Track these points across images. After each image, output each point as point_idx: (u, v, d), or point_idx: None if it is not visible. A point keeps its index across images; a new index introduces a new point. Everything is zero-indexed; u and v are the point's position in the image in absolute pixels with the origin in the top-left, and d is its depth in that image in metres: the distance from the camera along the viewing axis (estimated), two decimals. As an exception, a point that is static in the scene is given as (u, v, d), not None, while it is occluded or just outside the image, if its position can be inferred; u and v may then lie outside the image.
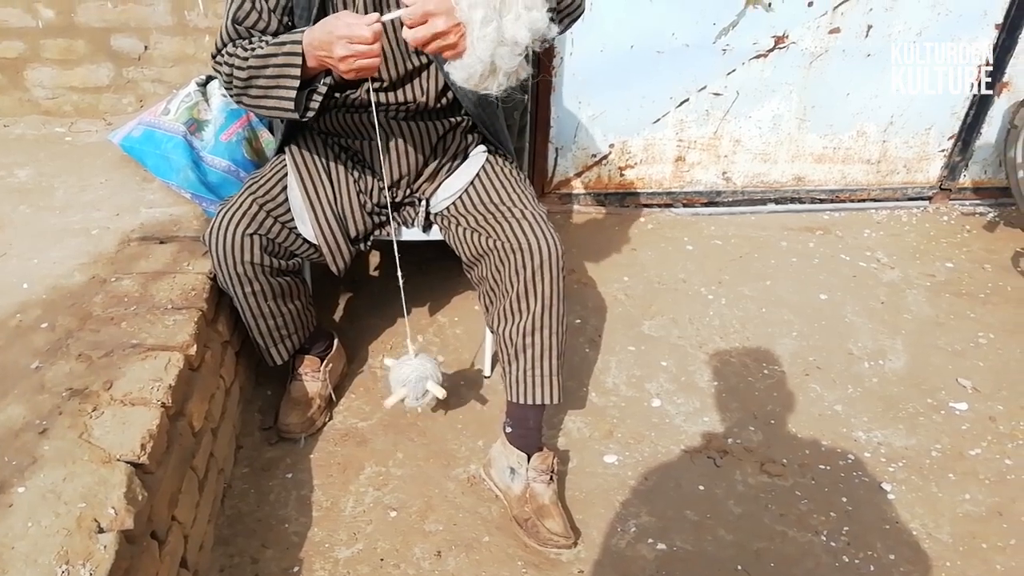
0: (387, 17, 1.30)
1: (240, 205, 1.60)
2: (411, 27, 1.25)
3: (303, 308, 1.80)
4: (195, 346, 1.51)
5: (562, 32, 1.44)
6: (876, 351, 2.19)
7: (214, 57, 1.52)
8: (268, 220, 1.62)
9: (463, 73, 1.28)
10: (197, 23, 2.39)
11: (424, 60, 1.57)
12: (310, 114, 1.46)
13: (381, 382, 1.98)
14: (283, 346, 1.80)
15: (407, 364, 1.60)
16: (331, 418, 1.91)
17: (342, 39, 1.28)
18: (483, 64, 1.25)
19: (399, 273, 1.63)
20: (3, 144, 2.33)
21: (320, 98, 1.45)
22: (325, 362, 1.91)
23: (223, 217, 1.59)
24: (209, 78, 2.12)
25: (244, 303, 1.66)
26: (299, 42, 1.37)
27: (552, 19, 1.29)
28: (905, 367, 2.14)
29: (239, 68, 1.45)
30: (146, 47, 2.43)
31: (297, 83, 1.39)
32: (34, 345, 1.49)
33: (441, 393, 1.61)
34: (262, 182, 1.66)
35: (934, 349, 2.21)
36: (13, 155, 2.25)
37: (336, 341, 1.97)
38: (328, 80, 1.45)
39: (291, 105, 1.42)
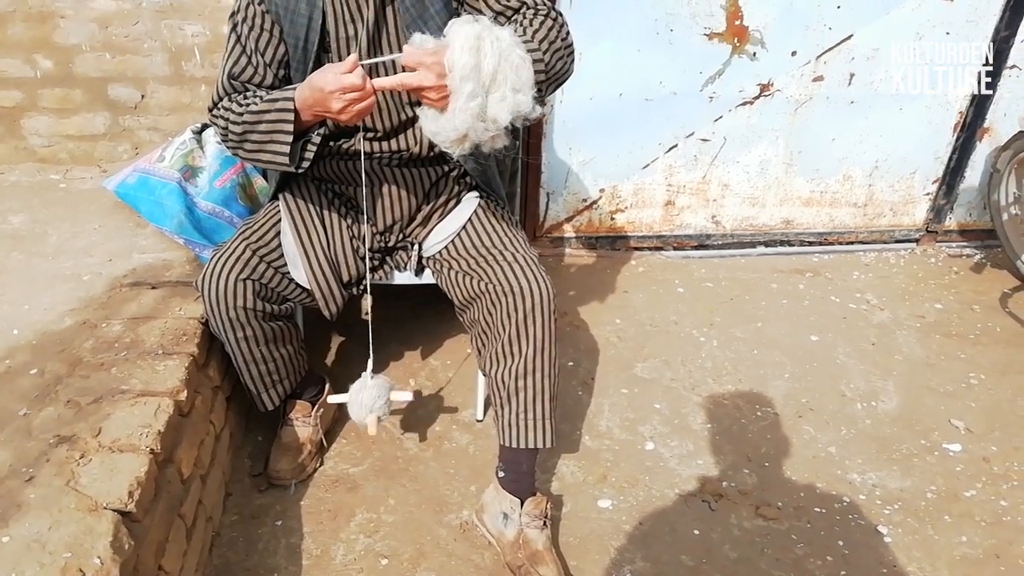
0: (374, 60, 1.33)
1: (234, 251, 1.61)
2: (405, 67, 1.29)
3: (295, 353, 1.79)
4: (185, 391, 1.50)
5: (546, 97, 1.47)
6: (868, 392, 2.19)
7: (211, 110, 1.55)
8: (261, 265, 1.63)
9: (434, 128, 1.32)
10: (194, 73, 2.44)
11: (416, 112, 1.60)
12: (305, 165, 1.48)
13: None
14: (274, 391, 1.79)
15: (365, 391, 1.63)
16: (322, 464, 1.89)
17: (334, 94, 1.31)
18: (456, 132, 1.28)
19: (367, 304, 1.67)
20: (-2, 191, 2.35)
21: (314, 149, 1.48)
22: (316, 407, 1.89)
23: (216, 262, 1.59)
24: (204, 126, 2.16)
25: (236, 348, 1.66)
26: (291, 99, 1.40)
27: (536, 99, 1.32)
28: (898, 408, 2.14)
29: (234, 123, 1.48)
30: (143, 96, 2.47)
31: (290, 139, 1.43)
32: (22, 391, 1.48)
33: (409, 395, 1.73)
34: (255, 227, 1.67)
35: (926, 390, 2.21)
36: (7, 202, 2.27)
37: (328, 386, 1.96)
38: (321, 131, 1.48)
39: (286, 160, 1.45)
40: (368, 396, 1.63)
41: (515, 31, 1.35)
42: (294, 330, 1.78)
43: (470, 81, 1.23)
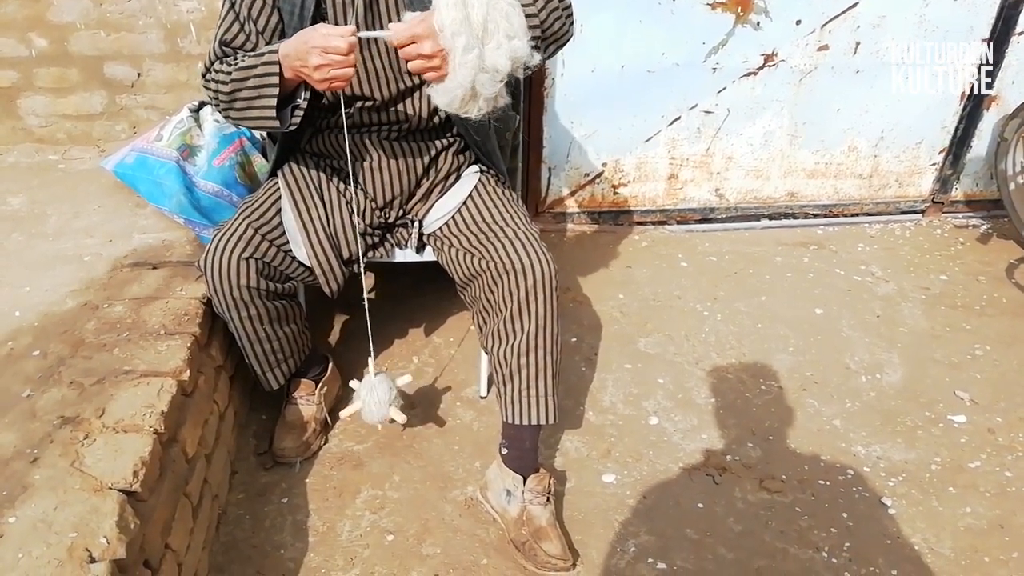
0: (368, 34, 1.32)
1: (235, 230, 1.60)
2: (399, 47, 1.27)
3: (298, 331, 1.79)
4: (188, 371, 1.50)
5: (547, 58, 1.46)
6: (873, 365, 2.19)
7: (203, 76, 1.53)
8: (264, 244, 1.62)
9: (445, 97, 1.30)
10: (190, 50, 2.41)
11: (416, 80, 1.58)
12: (292, 127, 1.47)
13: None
14: (279, 370, 1.79)
15: (376, 390, 1.65)
16: (327, 441, 1.89)
17: (316, 48, 1.30)
18: (463, 89, 1.27)
19: (364, 295, 1.65)
20: (-4, 172, 2.34)
21: (301, 112, 1.46)
22: (320, 385, 1.90)
23: (218, 242, 1.58)
24: (202, 104, 2.13)
25: (240, 327, 1.65)
26: (276, 51, 1.38)
27: (535, 47, 1.31)
28: (902, 380, 2.13)
29: (223, 83, 1.46)
30: (139, 74, 2.45)
31: (276, 92, 1.40)
32: (25, 373, 1.48)
33: (408, 378, 1.74)
34: (256, 206, 1.66)
35: (931, 362, 2.20)
36: (6, 183, 2.26)
37: (331, 364, 1.96)
38: (307, 94, 1.45)
39: (272, 114, 1.43)
40: (382, 393, 1.64)
41: None
42: (298, 309, 1.77)
43: (462, 35, 1.22)
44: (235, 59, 1.48)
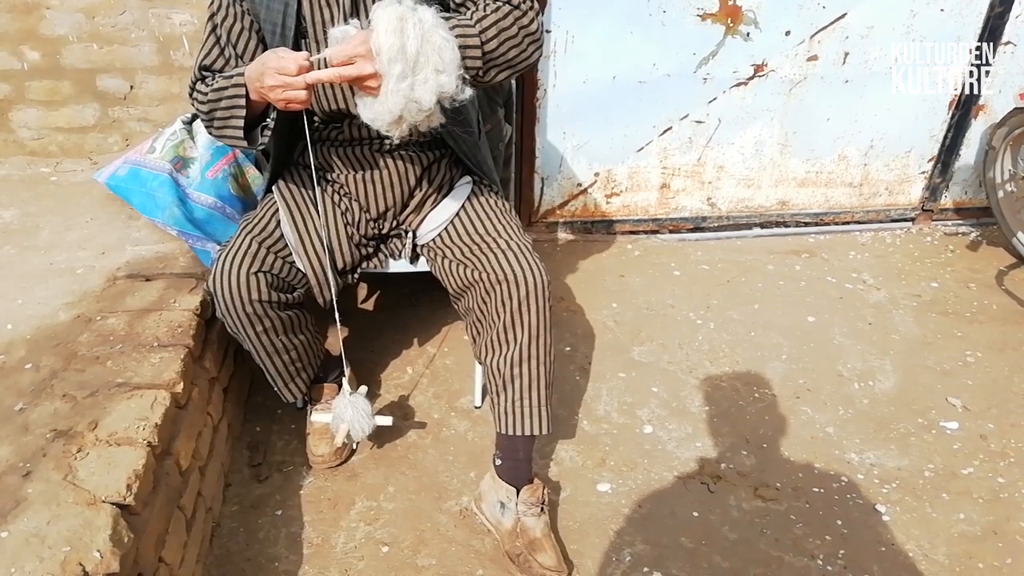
0: (317, 57, 1.34)
1: (240, 246, 1.61)
2: (336, 63, 1.30)
3: (312, 338, 1.81)
4: (182, 383, 1.50)
5: (501, 80, 1.46)
6: (865, 372, 2.20)
7: (189, 95, 1.58)
8: (269, 256, 1.63)
9: (370, 114, 1.33)
10: (183, 62, 2.41)
11: None
12: (261, 144, 1.50)
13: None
14: (300, 379, 1.80)
15: (346, 408, 1.69)
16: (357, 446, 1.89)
17: (271, 70, 1.33)
18: (391, 115, 1.30)
19: (335, 312, 1.68)
20: (-12, 185, 2.33)
21: (269, 133, 1.49)
22: (341, 387, 1.90)
23: (225, 260, 1.59)
24: (195, 116, 2.13)
25: (257, 342, 1.66)
26: (243, 74, 1.42)
27: (467, 78, 1.34)
28: (895, 387, 2.14)
29: (202, 104, 1.51)
30: (132, 87, 2.45)
31: (243, 114, 1.44)
32: (18, 386, 1.47)
33: (388, 421, 1.75)
34: (256, 221, 1.67)
35: (923, 369, 2.22)
36: (-2, 196, 2.25)
37: (348, 366, 1.97)
38: (274, 114, 1.48)
39: (240, 135, 1.47)
40: (362, 405, 1.69)
41: (450, 15, 1.37)
42: (307, 316, 1.78)
43: (398, 62, 1.25)
44: (213, 79, 1.53)
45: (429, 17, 1.28)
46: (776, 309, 2.48)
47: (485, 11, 1.40)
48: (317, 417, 1.79)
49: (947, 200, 2.99)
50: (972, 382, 2.16)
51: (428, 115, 1.33)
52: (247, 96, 1.42)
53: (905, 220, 3.02)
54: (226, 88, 1.45)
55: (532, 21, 1.43)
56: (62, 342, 1.60)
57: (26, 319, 1.68)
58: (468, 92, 1.34)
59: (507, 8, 1.40)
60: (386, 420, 1.74)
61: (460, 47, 1.32)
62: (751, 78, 2.62)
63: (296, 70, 1.31)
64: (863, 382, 2.16)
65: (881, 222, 3.01)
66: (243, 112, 1.44)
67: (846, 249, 2.85)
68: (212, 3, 1.55)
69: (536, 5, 1.45)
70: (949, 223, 3.02)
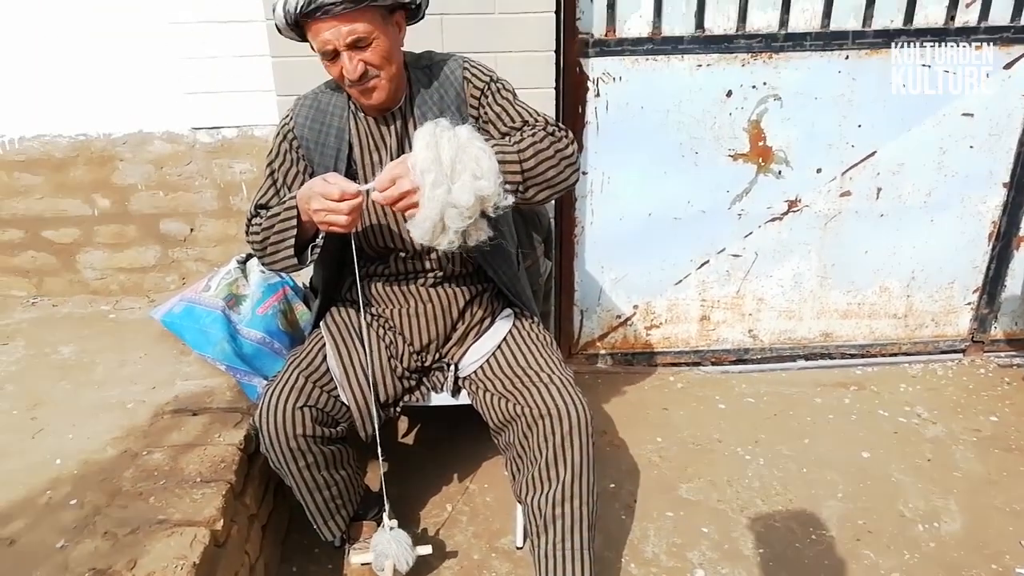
0: (363, 187, 1.44)
1: (287, 380, 1.64)
2: (381, 191, 1.38)
3: (352, 474, 1.80)
4: (222, 520, 1.48)
5: (543, 201, 1.53)
6: (929, 512, 2.08)
7: (246, 232, 1.68)
8: (315, 391, 1.66)
9: (418, 231, 1.40)
10: (240, 206, 2.57)
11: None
12: (310, 261, 1.59)
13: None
14: (339, 516, 1.78)
15: (389, 544, 1.69)
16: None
17: (317, 194, 1.43)
18: (431, 221, 1.36)
19: (378, 446, 1.68)
20: (50, 323, 2.44)
21: (318, 251, 1.57)
22: (381, 525, 1.86)
23: (272, 395, 1.62)
24: (249, 256, 2.24)
25: (299, 477, 1.66)
26: (295, 197, 1.52)
27: (509, 190, 1.41)
28: (963, 529, 2.01)
29: (257, 234, 1.61)
30: (192, 229, 2.60)
31: (294, 234, 1.53)
32: (61, 523, 1.48)
33: (427, 551, 1.76)
34: (303, 355, 1.72)
35: (991, 509, 2.09)
36: (59, 333, 2.35)
37: (387, 503, 1.93)
38: (322, 236, 1.57)
39: (291, 253, 1.55)
40: (403, 539, 1.70)
41: (490, 138, 1.47)
42: (349, 451, 1.78)
43: (431, 172, 1.34)
44: (267, 211, 1.63)
45: (464, 132, 1.38)
46: (828, 444, 2.39)
47: (523, 135, 1.50)
48: (356, 558, 1.74)
49: (997, 331, 2.93)
50: (1047, 524, 2.02)
51: (471, 220, 1.38)
52: (299, 217, 1.51)
53: (955, 352, 2.94)
54: (279, 213, 1.55)
55: (567, 146, 1.51)
56: (107, 477, 1.61)
57: (75, 454, 1.71)
58: (510, 199, 1.41)
59: (542, 133, 1.50)
60: (426, 549, 1.72)
61: (500, 162, 1.39)
62: (785, 213, 2.68)
63: (339, 195, 1.40)
64: (928, 523, 2.04)
65: (930, 353, 2.94)
66: (294, 232, 1.53)
67: (896, 381, 2.77)
68: (271, 151, 1.69)
69: (571, 134, 1.54)
70: (1002, 355, 2.94)
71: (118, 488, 1.57)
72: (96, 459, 1.69)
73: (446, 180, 1.35)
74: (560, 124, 1.57)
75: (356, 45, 1.46)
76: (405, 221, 1.44)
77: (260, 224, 1.62)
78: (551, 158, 1.48)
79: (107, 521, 1.46)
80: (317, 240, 1.58)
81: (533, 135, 1.49)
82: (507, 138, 1.54)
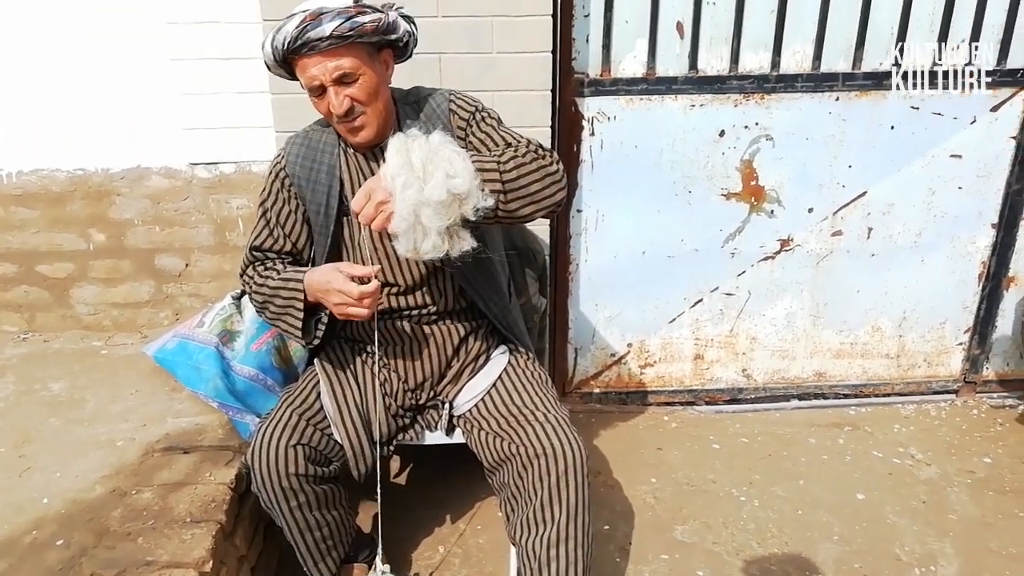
0: (376, 268, 1.51)
1: (280, 418, 1.63)
2: (359, 210, 1.41)
3: (344, 514, 1.77)
4: (211, 562, 1.46)
5: (529, 220, 1.54)
6: (926, 556, 2.06)
7: (241, 275, 1.72)
8: (308, 429, 1.65)
9: (400, 242, 1.42)
10: (236, 242, 2.57)
11: (437, 264, 1.66)
12: (316, 341, 1.63)
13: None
14: (330, 559, 1.75)
15: None
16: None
17: (336, 292, 1.48)
18: (407, 223, 1.38)
19: (378, 489, 1.68)
20: (41, 359, 2.42)
21: (324, 326, 1.61)
22: (372, 567, 1.83)
23: (264, 433, 1.60)
24: (243, 292, 2.24)
25: (290, 517, 1.63)
26: (301, 282, 1.56)
27: (485, 190, 1.41)
28: (959, 574, 1.99)
29: (256, 292, 1.65)
30: (187, 264, 2.60)
31: (301, 316, 1.57)
32: (46, 563, 1.45)
33: None
34: (297, 393, 1.71)
35: (987, 553, 2.07)
36: (49, 369, 2.33)
37: (379, 545, 1.90)
38: (326, 315, 1.61)
39: (298, 333, 1.59)
40: None
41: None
42: (341, 491, 1.76)
43: (401, 175, 1.37)
44: (265, 269, 1.67)
45: (436, 137, 1.42)
46: (822, 485, 2.38)
47: (509, 151, 1.51)
48: None
49: (989, 372, 2.94)
50: (1044, 568, 2.01)
51: (451, 220, 1.39)
52: (304, 299, 1.55)
53: (948, 392, 2.95)
54: (281, 290, 1.59)
55: (551, 163, 1.51)
56: (95, 517, 1.59)
57: (62, 493, 1.68)
58: (490, 201, 1.41)
59: (524, 150, 1.51)
60: None
61: (478, 169, 1.41)
62: (778, 252, 2.70)
63: (359, 296, 1.46)
64: (924, 567, 2.02)
65: (923, 394, 2.94)
66: (300, 315, 1.57)
67: (890, 422, 2.77)
68: (264, 190, 1.71)
69: (556, 155, 1.55)
70: (994, 395, 2.94)
71: (106, 528, 1.54)
72: (84, 498, 1.66)
73: (417, 180, 1.37)
74: (544, 145, 1.56)
75: (342, 81, 1.48)
76: (392, 242, 1.46)
77: (260, 285, 1.65)
78: (534, 171, 1.48)
79: (93, 562, 1.43)
80: (322, 315, 1.62)
81: (515, 151, 1.50)
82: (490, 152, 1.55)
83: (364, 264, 1.67)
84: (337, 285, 1.47)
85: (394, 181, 1.38)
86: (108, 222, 2.53)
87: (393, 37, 1.53)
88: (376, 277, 1.49)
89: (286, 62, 1.50)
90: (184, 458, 1.80)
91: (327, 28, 1.42)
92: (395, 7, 1.55)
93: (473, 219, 1.43)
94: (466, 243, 1.46)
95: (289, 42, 1.43)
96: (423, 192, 1.36)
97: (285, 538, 1.69)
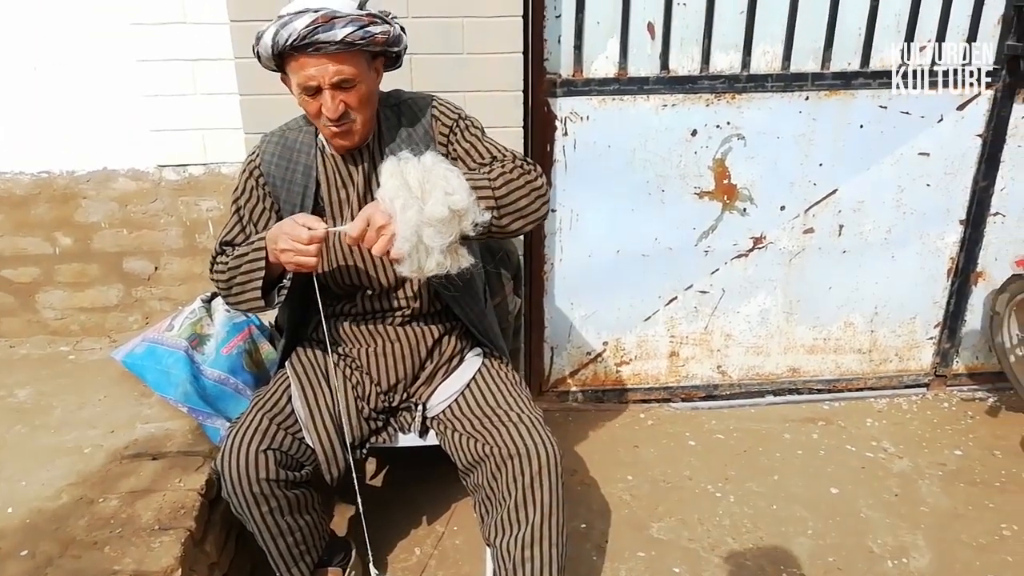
0: (334, 229, 1.47)
1: (250, 423, 1.61)
2: (360, 235, 1.40)
3: (317, 519, 1.75)
4: (180, 570, 1.44)
5: (517, 233, 1.55)
6: (898, 548, 2.08)
7: (210, 270, 1.68)
8: (280, 433, 1.62)
9: (404, 264, 1.40)
10: (207, 244, 2.54)
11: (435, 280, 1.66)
12: (277, 302, 1.59)
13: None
14: (303, 563, 1.72)
15: None
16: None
17: (285, 235, 1.44)
18: (410, 244, 1.37)
19: (358, 494, 1.65)
20: (7, 364, 2.37)
21: (286, 292, 1.57)
22: (347, 571, 1.82)
23: (234, 438, 1.58)
24: (214, 294, 2.21)
25: (261, 523, 1.61)
26: (263, 237, 1.53)
27: (481, 207, 1.42)
28: (931, 565, 2.02)
29: (222, 272, 1.61)
30: (156, 268, 2.56)
31: (262, 275, 1.53)
32: (11, 575, 1.42)
33: None
34: (267, 396, 1.69)
35: (958, 544, 2.10)
36: (16, 375, 2.28)
37: (354, 549, 1.89)
38: (289, 277, 1.57)
39: (258, 295, 1.55)
40: None
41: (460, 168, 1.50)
42: (314, 495, 1.74)
43: (400, 197, 1.36)
44: (233, 250, 1.63)
45: (429, 157, 1.42)
46: (797, 480, 2.40)
47: (493, 168, 1.53)
48: None
49: (959, 365, 2.98)
50: (1011, 558, 2.04)
51: (452, 238, 1.39)
52: (267, 258, 1.51)
53: (919, 386, 2.99)
54: (247, 253, 1.55)
55: (536, 178, 1.54)
56: (61, 526, 1.56)
57: (27, 501, 1.65)
58: (487, 216, 1.43)
59: (510, 165, 1.53)
60: None
61: (473, 187, 1.41)
62: (751, 250, 2.71)
63: (308, 240, 1.41)
64: (897, 559, 2.04)
65: (895, 388, 2.98)
66: (262, 273, 1.52)
67: (862, 416, 2.80)
68: (237, 188, 1.69)
69: (539, 168, 1.57)
70: (964, 388, 2.99)
71: (72, 537, 1.51)
72: (49, 507, 1.63)
73: (416, 201, 1.36)
74: (528, 159, 1.59)
75: (340, 86, 1.47)
76: (394, 266, 1.44)
77: (226, 263, 1.61)
78: (522, 188, 1.51)
79: (59, 572, 1.41)
80: (284, 281, 1.58)
81: (503, 166, 1.52)
82: (479, 169, 1.55)
83: (340, 269, 1.66)
84: (286, 228, 1.45)
85: (393, 203, 1.36)
86: (74, 225, 2.48)
87: (394, 49, 1.53)
88: (326, 226, 1.46)
89: (281, 56, 1.48)
90: (153, 464, 1.77)
91: (339, 33, 1.40)
92: (391, 16, 1.54)
93: (472, 235, 1.43)
94: (465, 260, 1.45)
95: (295, 39, 1.40)
96: (423, 212, 1.36)
97: (257, 544, 1.66)
